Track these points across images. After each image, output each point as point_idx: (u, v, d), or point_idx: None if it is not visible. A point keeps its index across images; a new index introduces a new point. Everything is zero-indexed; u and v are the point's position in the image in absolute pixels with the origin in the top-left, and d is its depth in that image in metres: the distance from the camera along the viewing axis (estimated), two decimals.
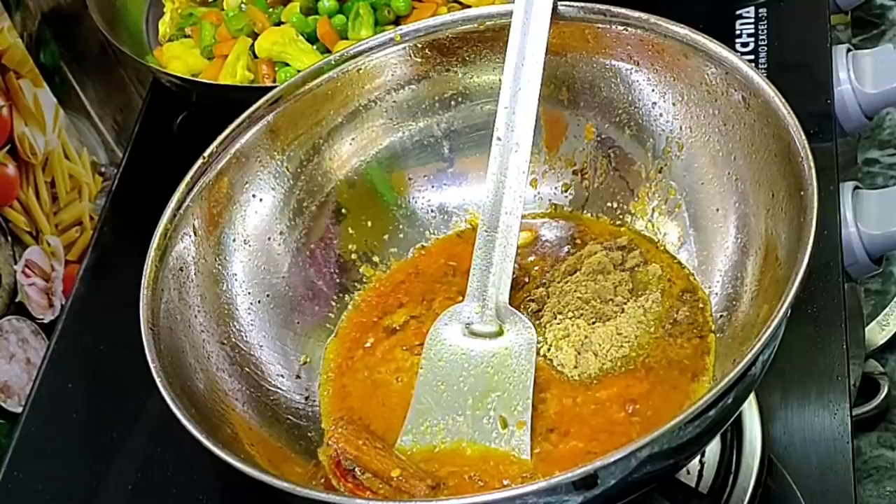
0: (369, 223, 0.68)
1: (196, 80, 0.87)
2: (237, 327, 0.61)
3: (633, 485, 0.49)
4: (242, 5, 0.93)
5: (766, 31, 0.90)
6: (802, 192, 0.52)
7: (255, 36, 0.89)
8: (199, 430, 0.51)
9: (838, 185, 0.79)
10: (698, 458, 0.62)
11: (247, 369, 0.60)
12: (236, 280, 0.63)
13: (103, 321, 0.85)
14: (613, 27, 0.63)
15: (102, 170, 1.01)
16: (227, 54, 0.88)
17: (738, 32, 0.90)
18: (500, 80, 0.67)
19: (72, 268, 0.94)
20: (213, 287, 0.62)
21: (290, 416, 0.60)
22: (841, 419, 0.66)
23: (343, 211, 0.68)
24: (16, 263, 0.88)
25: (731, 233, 0.60)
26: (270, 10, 0.91)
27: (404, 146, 0.69)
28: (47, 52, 0.96)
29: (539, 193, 0.68)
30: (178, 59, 0.91)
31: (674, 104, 0.62)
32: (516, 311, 0.60)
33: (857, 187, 0.83)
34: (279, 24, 0.90)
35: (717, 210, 0.61)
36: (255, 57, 0.88)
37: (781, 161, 0.55)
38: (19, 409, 0.83)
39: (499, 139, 0.61)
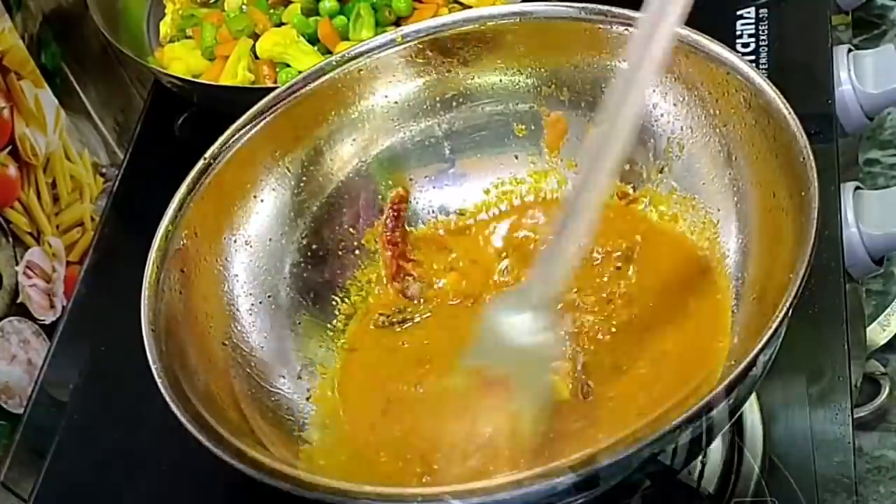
0: (371, 224, 0.68)
1: (197, 81, 0.87)
2: (238, 328, 0.61)
3: (632, 484, 0.49)
4: (243, 6, 0.93)
5: (766, 32, 0.90)
6: (803, 193, 0.52)
7: (256, 37, 0.89)
8: (200, 431, 0.51)
9: (839, 185, 0.79)
10: (699, 458, 0.63)
11: (247, 370, 0.60)
12: (238, 281, 0.63)
13: (104, 322, 0.85)
14: (615, 28, 0.63)
15: (103, 171, 1.01)
16: (228, 55, 0.88)
17: (738, 33, 0.90)
18: (501, 80, 0.67)
19: (73, 269, 0.94)
20: (214, 288, 0.62)
21: (290, 418, 0.60)
22: (842, 420, 0.66)
23: (344, 212, 0.68)
24: (17, 264, 0.88)
25: (732, 233, 0.60)
26: (271, 11, 0.91)
27: (405, 147, 0.69)
28: (48, 53, 0.96)
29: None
30: (180, 60, 0.91)
31: (675, 105, 0.62)
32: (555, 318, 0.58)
33: (858, 187, 0.83)
34: (280, 25, 0.90)
35: (719, 210, 0.61)
36: (257, 58, 0.88)
37: (782, 161, 0.55)
38: (21, 411, 0.84)
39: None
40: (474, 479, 0.51)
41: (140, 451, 0.76)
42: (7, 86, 0.90)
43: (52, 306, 0.92)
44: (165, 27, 0.96)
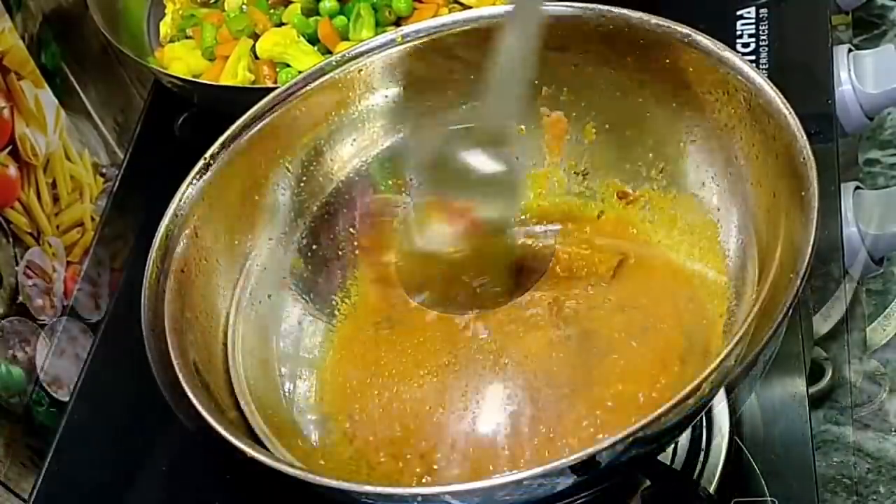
0: (371, 223, 0.68)
1: (197, 81, 0.87)
2: (239, 328, 0.61)
3: (621, 466, 0.49)
4: (243, 6, 0.93)
5: (767, 32, 0.90)
6: (804, 193, 0.52)
7: (256, 37, 0.89)
8: (218, 421, 0.51)
9: (839, 185, 0.79)
10: (700, 458, 0.62)
11: (247, 370, 0.60)
12: (238, 281, 0.63)
13: (105, 322, 0.85)
14: (613, 27, 0.63)
15: (104, 171, 1.01)
16: (228, 55, 0.88)
17: (739, 33, 0.90)
18: None
19: (73, 269, 0.94)
20: (214, 288, 0.62)
21: (290, 417, 0.60)
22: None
23: (345, 211, 0.67)
24: (17, 264, 0.88)
25: (732, 233, 0.60)
26: (271, 11, 0.91)
27: (405, 147, 0.68)
28: (48, 53, 0.96)
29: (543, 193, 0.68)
30: (180, 60, 0.91)
31: (675, 104, 0.62)
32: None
33: (858, 187, 0.82)
34: (280, 25, 0.90)
35: (719, 210, 0.61)
36: (257, 58, 0.88)
37: (783, 161, 0.55)
38: (21, 410, 0.84)
39: None
40: (474, 479, 0.51)
41: (140, 451, 0.76)
42: (7, 86, 0.89)
43: (53, 306, 0.92)
44: (165, 27, 0.96)
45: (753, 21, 0.91)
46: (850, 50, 0.89)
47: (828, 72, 0.85)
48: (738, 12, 0.91)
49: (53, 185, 0.94)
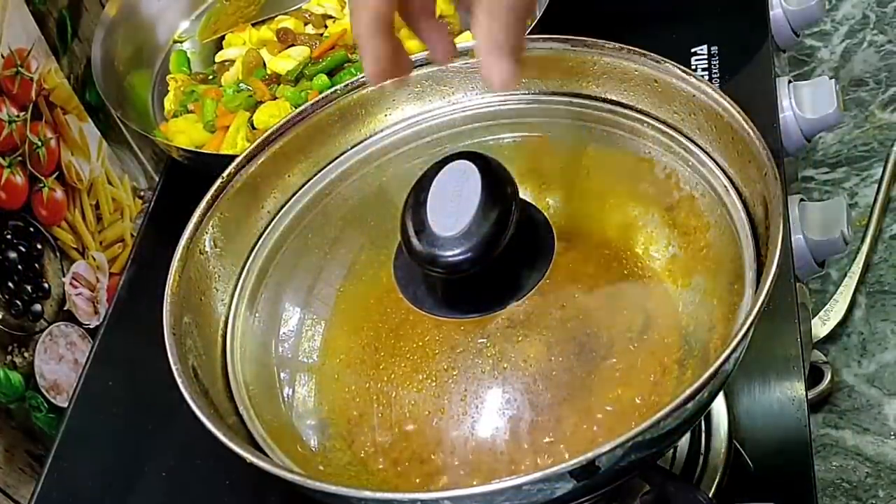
0: (378, 225, 0.61)
1: (200, 151, 0.81)
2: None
3: (620, 471, 0.43)
4: (240, 84, 0.87)
5: (718, 67, 0.85)
6: (767, 205, 0.47)
7: (252, 108, 0.83)
8: (217, 427, 0.45)
9: (786, 198, 0.75)
10: (699, 462, 0.55)
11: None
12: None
13: (141, 326, 0.78)
14: (591, 56, 0.57)
15: (142, 194, 0.96)
16: (227, 125, 0.82)
17: (693, 67, 0.85)
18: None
19: (115, 279, 0.88)
20: (213, 293, 0.55)
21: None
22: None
23: (351, 225, 0.61)
24: (64, 276, 0.83)
25: (730, 235, 0.53)
26: (269, 87, 0.86)
27: (406, 167, 0.62)
28: (92, 92, 0.90)
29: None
30: (183, 133, 0.84)
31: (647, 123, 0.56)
32: None
33: (801, 199, 0.78)
34: (275, 98, 0.84)
35: (718, 212, 0.54)
36: (254, 128, 0.82)
37: (753, 173, 0.49)
38: (66, 405, 0.77)
39: None
40: (473, 484, 0.44)
41: (138, 457, 0.69)
42: (54, 119, 0.84)
43: (96, 312, 0.86)
44: (169, 103, 0.89)
45: (706, 57, 0.86)
46: (789, 81, 0.85)
47: (773, 100, 0.81)
48: (693, 50, 0.86)
49: (97, 206, 0.89)
